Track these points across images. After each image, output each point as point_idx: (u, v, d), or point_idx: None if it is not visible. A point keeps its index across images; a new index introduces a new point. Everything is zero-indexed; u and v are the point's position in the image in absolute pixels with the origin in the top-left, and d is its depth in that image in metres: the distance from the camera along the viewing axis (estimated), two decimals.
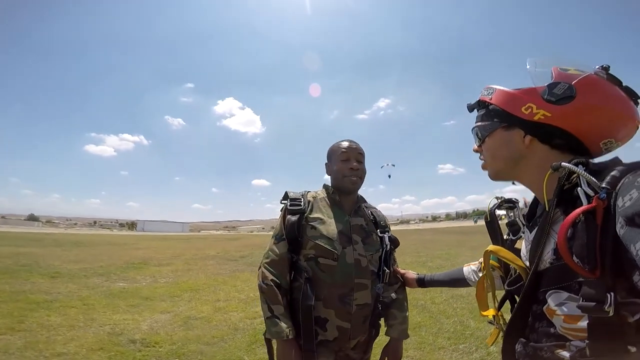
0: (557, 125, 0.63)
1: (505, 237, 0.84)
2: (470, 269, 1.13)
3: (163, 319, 4.07)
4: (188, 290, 5.79)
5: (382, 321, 1.31)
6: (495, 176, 0.76)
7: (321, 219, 1.26)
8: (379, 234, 1.33)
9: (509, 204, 0.87)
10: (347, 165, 1.29)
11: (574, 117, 0.62)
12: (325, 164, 1.40)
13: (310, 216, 1.26)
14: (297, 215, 1.24)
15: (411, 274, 1.35)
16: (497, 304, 0.80)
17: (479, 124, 0.76)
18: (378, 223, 1.36)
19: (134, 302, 4.88)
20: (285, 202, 1.30)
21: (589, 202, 0.52)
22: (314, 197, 1.33)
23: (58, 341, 3.14)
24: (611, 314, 0.46)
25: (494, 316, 0.80)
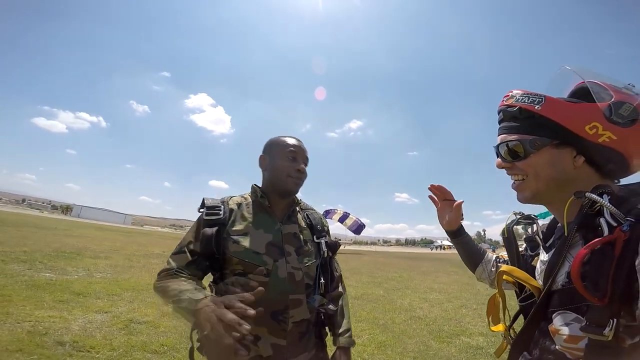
0: (617, 149, 0.61)
1: (522, 251, 0.83)
2: (490, 258, 1.06)
3: (99, 320, 3.55)
4: (129, 289, 5.19)
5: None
6: (532, 198, 0.70)
7: (245, 232, 1.09)
8: (315, 239, 1.21)
9: (528, 220, 0.83)
10: (294, 165, 1.15)
11: (634, 141, 0.61)
12: (261, 156, 1.22)
13: (233, 229, 1.09)
14: (215, 228, 1.06)
15: (458, 216, 1.11)
16: (506, 321, 0.80)
17: (522, 136, 0.67)
18: (314, 227, 1.23)
19: (63, 297, 4.24)
20: (202, 210, 1.12)
21: (610, 232, 0.52)
22: (239, 204, 1.16)
23: None
24: (610, 338, 0.48)
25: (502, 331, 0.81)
